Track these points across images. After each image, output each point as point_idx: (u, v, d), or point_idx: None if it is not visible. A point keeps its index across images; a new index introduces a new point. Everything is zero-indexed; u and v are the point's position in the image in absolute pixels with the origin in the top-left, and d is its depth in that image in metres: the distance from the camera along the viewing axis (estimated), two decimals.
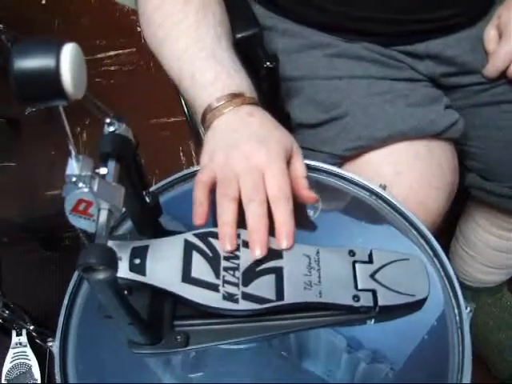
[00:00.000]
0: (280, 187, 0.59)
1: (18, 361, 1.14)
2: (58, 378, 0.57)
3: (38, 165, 1.55)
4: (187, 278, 0.55)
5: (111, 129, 0.50)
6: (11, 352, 1.15)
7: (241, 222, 0.59)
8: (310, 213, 0.68)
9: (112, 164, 0.49)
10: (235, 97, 0.65)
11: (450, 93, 0.86)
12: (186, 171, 0.72)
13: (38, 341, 1.14)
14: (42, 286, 1.29)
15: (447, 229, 1.09)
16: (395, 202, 0.67)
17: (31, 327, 1.14)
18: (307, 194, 0.62)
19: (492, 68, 0.83)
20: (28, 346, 1.15)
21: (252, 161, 0.60)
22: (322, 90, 0.82)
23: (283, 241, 0.58)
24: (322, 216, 0.67)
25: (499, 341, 1.22)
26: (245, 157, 0.60)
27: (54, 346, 0.59)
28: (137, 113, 1.64)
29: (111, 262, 0.43)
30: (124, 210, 0.51)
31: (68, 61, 0.38)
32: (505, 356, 1.21)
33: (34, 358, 1.14)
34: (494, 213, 1.04)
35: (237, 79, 0.67)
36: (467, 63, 0.85)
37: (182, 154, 1.62)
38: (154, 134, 1.62)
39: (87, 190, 0.44)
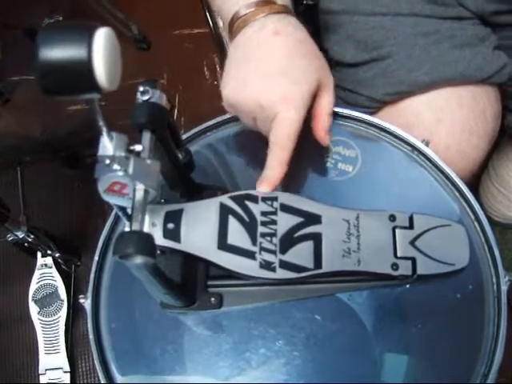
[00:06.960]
0: (277, 134, 0.57)
1: (45, 281, 1.15)
2: (91, 336, 0.57)
3: None
4: (223, 244, 0.53)
5: (145, 97, 0.46)
6: (37, 273, 1.16)
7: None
8: (349, 168, 0.65)
9: (147, 136, 0.46)
10: (262, 4, 0.60)
11: (498, 31, 0.80)
12: (218, 118, 0.69)
13: (63, 266, 1.15)
14: (64, 205, 1.29)
15: None
16: (438, 161, 0.64)
17: (55, 252, 1.14)
18: (322, 135, 0.61)
19: None
20: (53, 267, 1.16)
21: (261, 102, 0.57)
22: (364, 27, 0.76)
23: (259, 184, 0.57)
24: (361, 173, 0.64)
25: None
26: (255, 97, 0.58)
27: (86, 303, 0.59)
28: (158, 23, 1.54)
29: (149, 250, 0.41)
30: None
31: (102, 51, 0.33)
32: None
33: (60, 279, 1.15)
34: None
35: None
36: None
37: (205, 68, 1.54)
38: (177, 47, 1.52)
39: (122, 173, 0.41)
